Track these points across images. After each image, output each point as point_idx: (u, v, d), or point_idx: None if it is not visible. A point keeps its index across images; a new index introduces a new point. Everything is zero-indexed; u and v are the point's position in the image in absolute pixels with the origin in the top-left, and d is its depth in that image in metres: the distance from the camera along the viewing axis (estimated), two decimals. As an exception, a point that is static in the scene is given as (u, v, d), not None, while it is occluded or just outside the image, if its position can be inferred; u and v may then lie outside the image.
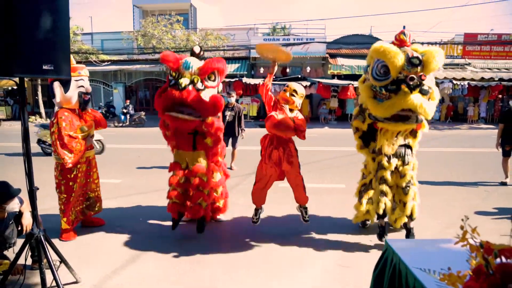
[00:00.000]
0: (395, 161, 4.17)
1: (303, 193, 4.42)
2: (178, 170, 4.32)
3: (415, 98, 3.71)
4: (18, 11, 2.22)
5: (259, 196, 4.51)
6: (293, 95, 4.21)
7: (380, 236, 4.31)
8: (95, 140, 10.12)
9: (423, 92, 3.79)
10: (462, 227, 1.35)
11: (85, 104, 4.40)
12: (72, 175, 4.28)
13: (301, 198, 4.46)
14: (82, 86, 4.28)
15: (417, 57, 3.77)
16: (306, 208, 4.55)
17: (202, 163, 4.34)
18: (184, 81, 3.97)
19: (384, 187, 4.12)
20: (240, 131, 8.12)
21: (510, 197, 6.17)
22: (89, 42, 26.09)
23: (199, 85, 4.04)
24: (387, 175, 4.13)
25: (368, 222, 4.75)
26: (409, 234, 4.29)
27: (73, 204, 4.37)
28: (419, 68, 3.77)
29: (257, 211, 4.59)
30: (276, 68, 4.42)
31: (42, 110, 21.31)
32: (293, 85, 4.30)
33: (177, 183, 4.30)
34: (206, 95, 4.09)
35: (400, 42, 4.01)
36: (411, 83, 3.73)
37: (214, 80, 4.22)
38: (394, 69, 3.78)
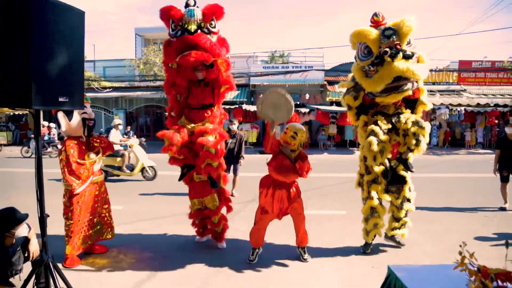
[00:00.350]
0: (385, 126, 4.45)
1: (305, 232, 4.54)
2: (181, 130, 4.45)
3: (400, 64, 4.01)
4: (37, 47, 2.37)
5: (257, 237, 4.56)
6: (294, 137, 4.27)
7: (385, 176, 4.54)
8: (148, 167, 10.22)
9: (407, 57, 4.07)
10: (460, 253, 1.43)
11: (90, 130, 4.56)
12: (80, 201, 4.36)
13: (304, 238, 4.57)
14: (85, 113, 4.44)
15: (389, 28, 4.12)
16: (304, 248, 4.64)
17: (207, 125, 4.52)
18: (193, 27, 4.24)
19: (372, 138, 4.29)
20: (240, 158, 8.21)
21: (509, 222, 6.22)
22: (91, 69, 26.58)
23: (206, 30, 4.33)
24: (377, 129, 4.35)
25: (371, 245, 4.82)
26: (407, 164, 4.56)
27: (79, 230, 4.42)
28: (394, 37, 4.07)
29: (255, 250, 4.61)
30: (274, 129, 4.22)
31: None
32: (293, 127, 4.31)
33: (180, 142, 4.39)
34: (212, 39, 4.38)
35: (375, 23, 4.34)
36: (382, 53, 4.05)
37: (214, 27, 4.45)
38: (373, 44, 4.12)
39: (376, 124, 4.45)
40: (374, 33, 4.14)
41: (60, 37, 2.49)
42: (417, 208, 6.88)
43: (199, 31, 4.26)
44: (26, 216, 3.33)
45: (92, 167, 4.40)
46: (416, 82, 4.29)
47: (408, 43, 4.19)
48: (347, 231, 5.60)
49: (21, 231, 3.32)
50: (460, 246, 1.43)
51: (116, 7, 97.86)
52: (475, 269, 1.35)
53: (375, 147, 4.23)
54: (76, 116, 4.35)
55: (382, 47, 4.09)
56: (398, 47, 4.06)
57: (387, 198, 4.69)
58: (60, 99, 2.51)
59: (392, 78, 4.07)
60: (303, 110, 18.97)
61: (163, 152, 4.52)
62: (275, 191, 4.33)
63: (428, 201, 7.40)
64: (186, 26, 4.26)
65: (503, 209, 6.95)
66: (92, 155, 4.44)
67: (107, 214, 4.82)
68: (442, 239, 5.31)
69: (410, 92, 4.35)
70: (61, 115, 4.26)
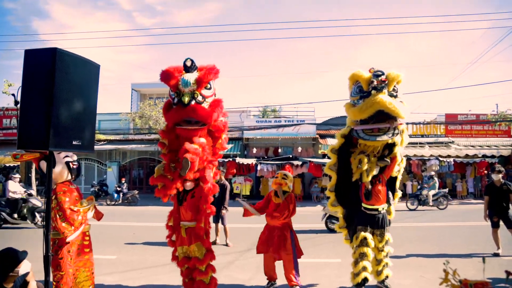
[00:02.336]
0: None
1: (290, 276, 4.84)
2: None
3: (383, 97, 4.46)
4: (58, 95, 2.61)
5: (266, 271, 5.05)
6: (284, 178, 5.16)
7: (367, 196, 4.92)
8: None
9: (390, 95, 4.57)
10: (444, 270, 1.58)
11: (77, 172, 4.45)
12: (71, 250, 4.16)
13: (289, 279, 4.88)
14: (67, 156, 4.35)
15: (380, 70, 4.65)
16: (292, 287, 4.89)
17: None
18: (186, 99, 4.34)
19: (363, 155, 4.86)
20: (222, 208, 8.08)
21: (503, 267, 6.16)
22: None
23: (200, 98, 4.42)
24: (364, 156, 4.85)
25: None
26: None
27: (71, 281, 4.20)
28: (383, 77, 4.59)
29: (269, 282, 5.06)
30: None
31: (34, 187, 21.26)
32: (281, 172, 5.32)
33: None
34: (206, 105, 4.49)
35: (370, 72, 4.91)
36: (374, 87, 4.56)
37: (209, 89, 4.55)
38: (364, 82, 4.64)
39: (362, 153, 4.94)
40: (366, 74, 4.71)
41: (78, 86, 2.75)
42: (411, 255, 6.99)
43: (193, 102, 4.39)
44: (26, 254, 3.31)
45: (85, 215, 4.29)
46: (398, 129, 4.75)
47: (395, 91, 4.69)
48: (344, 278, 5.61)
49: (24, 267, 3.28)
50: (444, 264, 1.58)
51: (112, 63, 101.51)
52: (457, 283, 1.50)
53: (365, 165, 4.76)
54: (59, 161, 4.22)
55: (371, 84, 4.60)
56: (384, 81, 4.56)
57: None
58: (74, 142, 2.72)
59: (375, 109, 4.47)
60: (295, 162, 19.22)
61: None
62: (268, 233, 5.00)
63: (422, 249, 7.45)
64: (181, 96, 4.41)
65: (496, 254, 7.01)
66: (85, 203, 4.35)
67: (90, 270, 4.46)
68: (436, 285, 5.32)
69: (389, 140, 4.76)
70: (44, 165, 4.09)
